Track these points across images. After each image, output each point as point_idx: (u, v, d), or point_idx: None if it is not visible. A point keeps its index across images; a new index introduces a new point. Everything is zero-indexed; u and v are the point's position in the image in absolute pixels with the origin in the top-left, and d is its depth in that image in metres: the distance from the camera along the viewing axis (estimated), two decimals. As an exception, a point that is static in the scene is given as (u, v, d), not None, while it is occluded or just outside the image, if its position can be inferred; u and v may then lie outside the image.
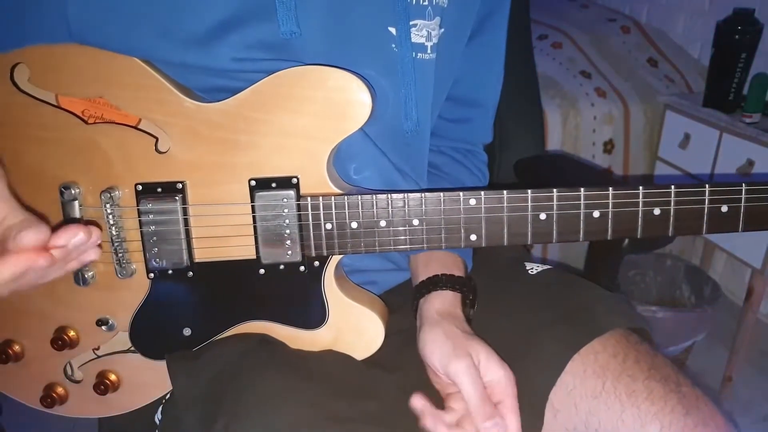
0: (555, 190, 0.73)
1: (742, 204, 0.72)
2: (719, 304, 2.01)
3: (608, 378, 0.72)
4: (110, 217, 0.76)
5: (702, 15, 2.34)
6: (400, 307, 0.89)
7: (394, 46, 0.80)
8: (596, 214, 0.73)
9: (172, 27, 0.72)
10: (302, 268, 0.77)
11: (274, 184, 0.74)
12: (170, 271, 0.78)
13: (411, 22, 0.80)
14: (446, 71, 0.91)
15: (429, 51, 0.83)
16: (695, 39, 2.40)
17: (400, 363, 0.84)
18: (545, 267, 0.90)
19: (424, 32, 0.81)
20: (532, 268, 0.89)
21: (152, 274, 0.78)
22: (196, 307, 0.80)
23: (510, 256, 0.99)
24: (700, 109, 1.99)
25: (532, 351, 0.78)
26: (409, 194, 0.74)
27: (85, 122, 0.75)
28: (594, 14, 2.51)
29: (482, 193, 0.73)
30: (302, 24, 0.74)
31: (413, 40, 0.81)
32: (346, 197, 0.75)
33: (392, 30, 0.79)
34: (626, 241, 1.07)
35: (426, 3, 0.80)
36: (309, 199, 0.75)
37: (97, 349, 0.83)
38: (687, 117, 2.03)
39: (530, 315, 0.81)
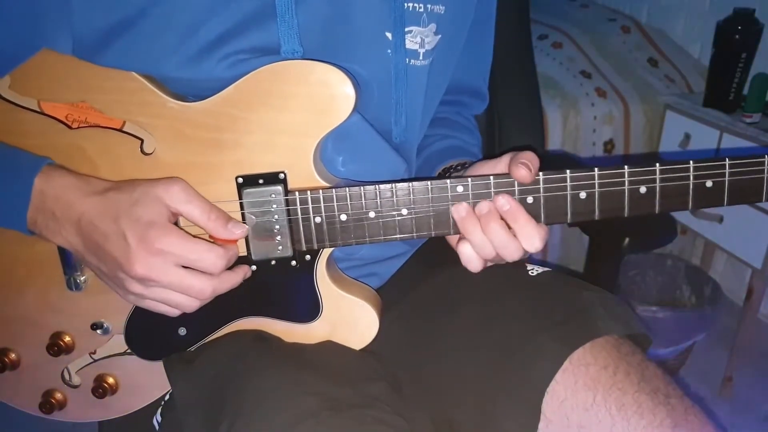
0: (541, 173, 0.73)
1: (726, 178, 0.72)
2: (719, 304, 2.00)
3: (599, 391, 0.72)
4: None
5: (702, 15, 2.34)
6: (401, 297, 0.90)
7: (389, 51, 0.81)
8: (583, 195, 0.73)
9: (169, 46, 0.72)
10: (294, 262, 0.77)
11: (261, 181, 0.74)
12: (162, 272, 0.78)
13: (406, 29, 0.80)
14: (441, 77, 0.91)
15: (421, 57, 0.84)
16: (695, 39, 2.40)
17: (401, 351, 0.85)
18: (546, 269, 0.90)
19: (418, 39, 0.82)
20: (532, 269, 0.89)
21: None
22: (189, 307, 0.80)
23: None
24: (700, 109, 1.99)
25: (531, 350, 0.77)
26: (397, 184, 0.74)
27: (69, 127, 0.75)
28: (594, 14, 2.52)
29: (469, 179, 0.74)
30: (301, 32, 0.74)
31: (407, 46, 0.81)
32: (334, 190, 0.75)
33: (389, 35, 0.80)
34: (626, 240, 1.06)
35: (421, 10, 0.81)
36: (297, 193, 0.75)
37: (94, 353, 0.83)
38: (687, 117, 2.03)
39: (530, 315, 0.81)
